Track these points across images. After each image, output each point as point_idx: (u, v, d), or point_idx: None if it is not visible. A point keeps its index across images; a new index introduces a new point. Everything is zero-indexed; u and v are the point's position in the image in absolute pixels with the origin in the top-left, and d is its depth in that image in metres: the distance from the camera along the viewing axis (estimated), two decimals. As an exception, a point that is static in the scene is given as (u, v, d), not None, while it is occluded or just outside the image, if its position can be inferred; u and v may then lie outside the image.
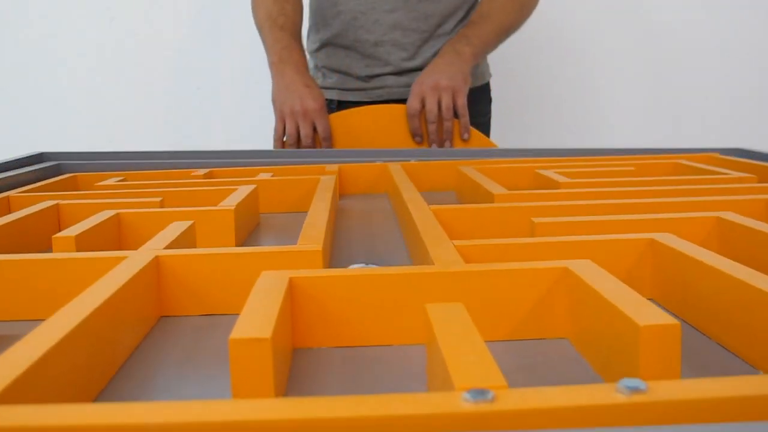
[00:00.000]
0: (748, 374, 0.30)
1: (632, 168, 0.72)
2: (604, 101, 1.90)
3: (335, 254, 0.52)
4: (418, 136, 1.13)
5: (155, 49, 1.85)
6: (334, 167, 0.80)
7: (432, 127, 1.11)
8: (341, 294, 0.34)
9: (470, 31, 1.18)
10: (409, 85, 1.24)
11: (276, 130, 1.14)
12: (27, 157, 0.86)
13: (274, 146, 1.14)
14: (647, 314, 0.26)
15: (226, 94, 1.87)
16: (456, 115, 1.13)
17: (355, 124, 1.15)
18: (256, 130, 1.84)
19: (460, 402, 0.20)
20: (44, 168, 0.82)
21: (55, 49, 1.84)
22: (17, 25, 1.83)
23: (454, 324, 0.26)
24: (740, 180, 0.63)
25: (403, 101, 1.23)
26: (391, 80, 1.24)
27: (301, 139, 1.11)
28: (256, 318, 0.27)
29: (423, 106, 1.12)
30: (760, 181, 0.67)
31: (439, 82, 1.11)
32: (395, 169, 0.77)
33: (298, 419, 0.19)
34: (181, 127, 1.87)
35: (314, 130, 1.12)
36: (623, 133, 1.89)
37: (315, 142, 1.12)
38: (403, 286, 0.33)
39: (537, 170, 0.71)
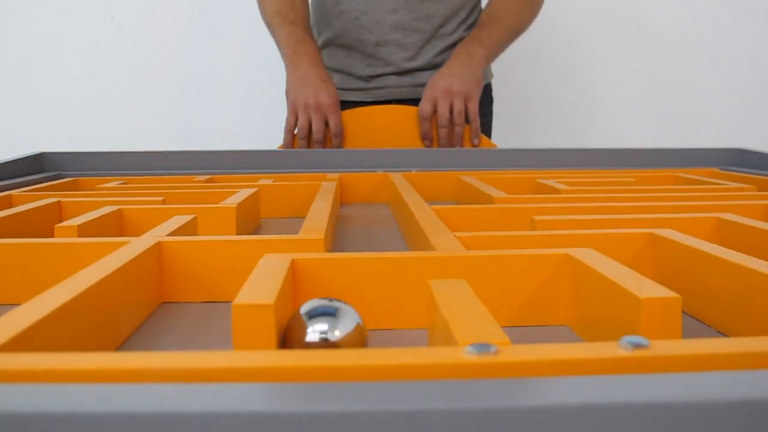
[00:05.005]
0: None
1: (632, 179, 0.72)
2: (605, 102, 1.91)
3: (336, 251, 0.52)
4: (428, 139, 1.13)
5: (155, 49, 1.85)
6: (335, 176, 0.81)
7: (443, 132, 1.11)
8: (343, 276, 0.34)
9: (482, 33, 1.18)
10: (411, 86, 1.24)
11: (288, 122, 1.13)
12: (27, 157, 0.86)
13: (284, 138, 1.14)
14: (648, 288, 0.26)
15: (226, 94, 1.87)
16: (467, 119, 1.12)
17: (366, 123, 1.15)
18: (257, 130, 1.84)
19: (464, 354, 0.20)
20: (46, 176, 0.82)
21: (55, 48, 1.84)
22: (17, 25, 1.83)
23: (456, 294, 0.26)
24: (740, 189, 0.63)
25: (404, 101, 1.23)
26: (393, 80, 1.24)
27: (312, 133, 1.11)
28: (259, 288, 0.27)
29: (435, 109, 1.11)
30: (759, 191, 0.67)
31: (452, 87, 1.11)
32: (397, 178, 0.77)
33: (304, 366, 0.19)
34: (181, 127, 1.87)
35: (326, 125, 1.11)
36: (624, 133, 1.90)
37: (326, 138, 1.12)
38: (406, 269, 0.34)
39: (538, 180, 0.72)
